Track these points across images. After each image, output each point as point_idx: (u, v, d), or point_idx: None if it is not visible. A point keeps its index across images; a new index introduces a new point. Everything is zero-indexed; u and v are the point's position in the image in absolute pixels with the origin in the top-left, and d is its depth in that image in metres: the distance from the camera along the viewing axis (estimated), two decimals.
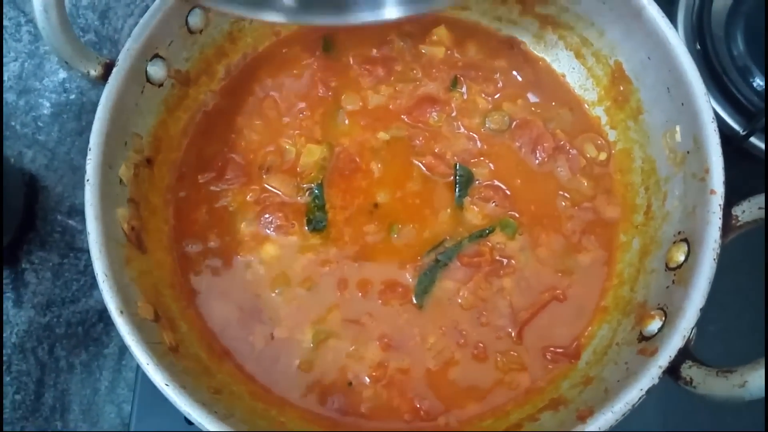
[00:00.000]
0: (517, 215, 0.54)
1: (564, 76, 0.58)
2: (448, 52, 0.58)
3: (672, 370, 0.40)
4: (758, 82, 0.62)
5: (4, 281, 0.62)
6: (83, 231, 0.62)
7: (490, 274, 0.52)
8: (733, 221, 0.43)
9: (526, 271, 0.52)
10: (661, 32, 0.48)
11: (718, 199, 0.43)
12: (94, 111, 0.65)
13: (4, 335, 0.60)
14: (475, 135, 0.56)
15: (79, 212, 0.64)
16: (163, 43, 0.48)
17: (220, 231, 0.52)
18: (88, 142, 0.64)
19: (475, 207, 0.53)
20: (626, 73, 0.53)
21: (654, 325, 0.44)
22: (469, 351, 0.50)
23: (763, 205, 0.41)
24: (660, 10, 0.48)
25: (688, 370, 0.39)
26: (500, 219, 0.53)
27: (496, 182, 0.55)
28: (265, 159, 0.54)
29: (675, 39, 0.47)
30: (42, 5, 0.40)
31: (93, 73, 0.45)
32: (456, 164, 0.54)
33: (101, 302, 0.59)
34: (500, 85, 0.58)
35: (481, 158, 0.55)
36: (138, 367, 0.56)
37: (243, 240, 0.52)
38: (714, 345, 0.43)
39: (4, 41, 0.69)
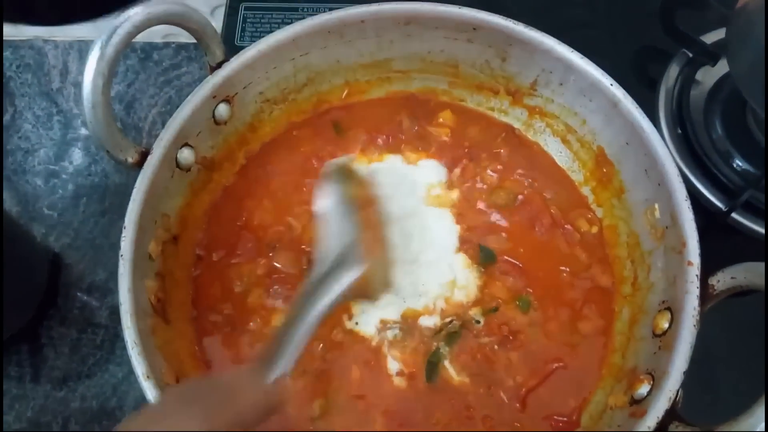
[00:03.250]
0: (530, 290, 0.57)
1: (554, 159, 0.63)
2: (453, 134, 0.64)
3: (660, 431, 0.43)
4: (737, 163, 0.67)
5: (23, 357, 0.63)
6: (101, 307, 0.66)
7: (499, 346, 0.55)
8: (710, 290, 0.46)
9: (533, 344, 0.55)
10: (637, 121, 0.53)
11: (694, 270, 0.47)
12: (116, 193, 0.72)
13: (21, 409, 0.61)
14: (487, 210, 0.60)
15: (97, 289, 0.66)
16: (192, 133, 0.54)
17: (233, 304, 0.55)
18: (110, 222, 0.69)
19: (498, 282, 0.57)
20: (608, 156, 0.58)
21: (643, 389, 0.46)
22: (476, 422, 0.52)
23: (734, 275, 0.45)
24: (634, 102, 0.54)
25: (675, 430, 0.42)
26: (519, 295, 0.57)
27: (509, 258, 0.58)
28: (273, 238, 0.58)
29: (649, 127, 0.53)
30: (91, 103, 0.46)
31: (130, 160, 0.50)
32: (480, 246, 0.58)
33: (116, 376, 0.62)
34: (501, 167, 0.62)
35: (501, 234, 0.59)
36: None
37: (255, 310, 0.55)
38: (704, 405, 0.46)
39: (36, 130, 0.75)
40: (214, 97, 0.54)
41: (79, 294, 0.66)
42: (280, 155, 0.62)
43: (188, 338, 0.52)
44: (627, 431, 0.44)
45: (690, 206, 0.49)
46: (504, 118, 0.65)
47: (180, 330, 0.51)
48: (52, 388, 0.62)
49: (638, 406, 0.46)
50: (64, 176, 0.72)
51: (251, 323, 0.55)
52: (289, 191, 0.61)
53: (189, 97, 0.52)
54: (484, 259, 0.58)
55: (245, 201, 0.60)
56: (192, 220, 0.57)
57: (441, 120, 0.64)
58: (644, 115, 0.53)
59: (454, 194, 0.61)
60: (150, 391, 0.43)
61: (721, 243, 0.53)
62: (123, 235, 0.47)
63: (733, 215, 0.64)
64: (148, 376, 0.43)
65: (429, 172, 0.62)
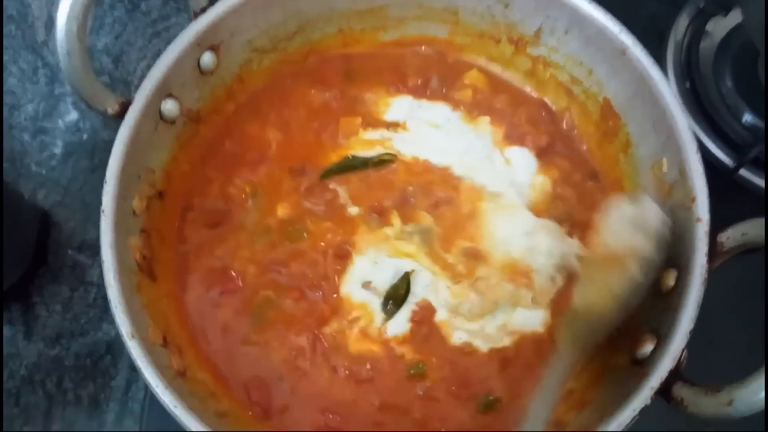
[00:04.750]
0: None
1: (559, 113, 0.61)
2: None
3: (664, 392, 0.41)
4: (746, 118, 0.65)
5: (15, 315, 0.63)
6: (93, 265, 0.65)
7: None
8: (719, 248, 0.45)
9: None
10: (644, 70, 0.51)
11: (704, 227, 0.45)
12: (106, 150, 0.68)
13: (14, 368, 0.61)
14: None
15: (89, 247, 0.65)
16: (176, 83, 0.51)
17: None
18: (99, 179, 0.66)
19: None
20: (614, 109, 0.56)
21: (647, 348, 0.45)
22: None
23: (746, 231, 0.43)
24: (643, 49, 0.51)
25: (679, 391, 0.41)
26: None
27: None
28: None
29: (658, 76, 0.50)
30: (66, 50, 0.44)
31: (110, 111, 0.48)
32: None
33: (109, 334, 0.61)
34: None
35: None
36: (144, 399, 0.58)
37: None
38: (709, 366, 0.44)
39: (21, 84, 0.73)
40: (199, 44, 0.51)
41: (70, 252, 0.65)
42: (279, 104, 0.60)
43: (175, 297, 0.51)
44: (629, 390, 0.42)
45: (701, 160, 0.47)
46: (503, 69, 0.62)
47: (167, 289, 0.50)
48: (45, 346, 0.62)
49: (641, 365, 0.45)
50: (52, 132, 0.70)
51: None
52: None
53: (171, 44, 0.49)
54: None
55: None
56: (179, 175, 0.55)
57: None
58: (653, 63, 0.50)
59: None
60: (135, 351, 0.41)
61: (728, 201, 0.51)
62: (104, 189, 0.45)
63: (741, 172, 0.62)
64: (132, 336, 0.42)
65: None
